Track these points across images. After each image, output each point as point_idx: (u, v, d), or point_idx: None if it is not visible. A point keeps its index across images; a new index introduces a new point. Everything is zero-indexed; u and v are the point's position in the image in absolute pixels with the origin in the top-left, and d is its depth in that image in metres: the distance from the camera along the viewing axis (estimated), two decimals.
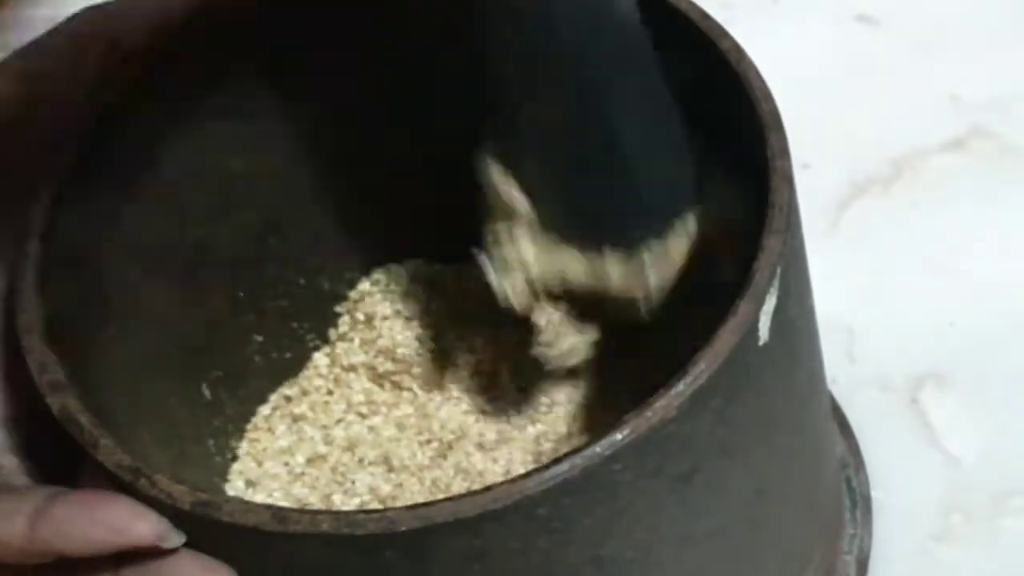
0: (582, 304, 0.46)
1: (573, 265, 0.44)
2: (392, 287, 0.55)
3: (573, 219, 0.44)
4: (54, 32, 0.44)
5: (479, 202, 0.45)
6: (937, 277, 0.61)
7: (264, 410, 0.53)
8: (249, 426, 0.53)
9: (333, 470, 0.51)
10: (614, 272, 0.44)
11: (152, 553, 0.37)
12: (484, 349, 0.53)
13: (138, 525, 0.36)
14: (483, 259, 0.45)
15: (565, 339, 0.46)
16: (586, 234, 0.44)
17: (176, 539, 0.37)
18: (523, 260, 0.45)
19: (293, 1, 0.47)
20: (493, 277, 0.45)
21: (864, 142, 0.65)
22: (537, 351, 0.47)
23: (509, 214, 0.45)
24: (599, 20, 0.40)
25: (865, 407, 0.57)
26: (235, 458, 0.52)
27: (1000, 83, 0.66)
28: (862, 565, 0.52)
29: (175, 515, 0.36)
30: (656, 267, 0.44)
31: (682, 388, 0.35)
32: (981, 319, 0.59)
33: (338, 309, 0.55)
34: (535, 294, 0.45)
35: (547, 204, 0.44)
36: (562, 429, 0.51)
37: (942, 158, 0.64)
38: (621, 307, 0.45)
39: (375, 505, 0.49)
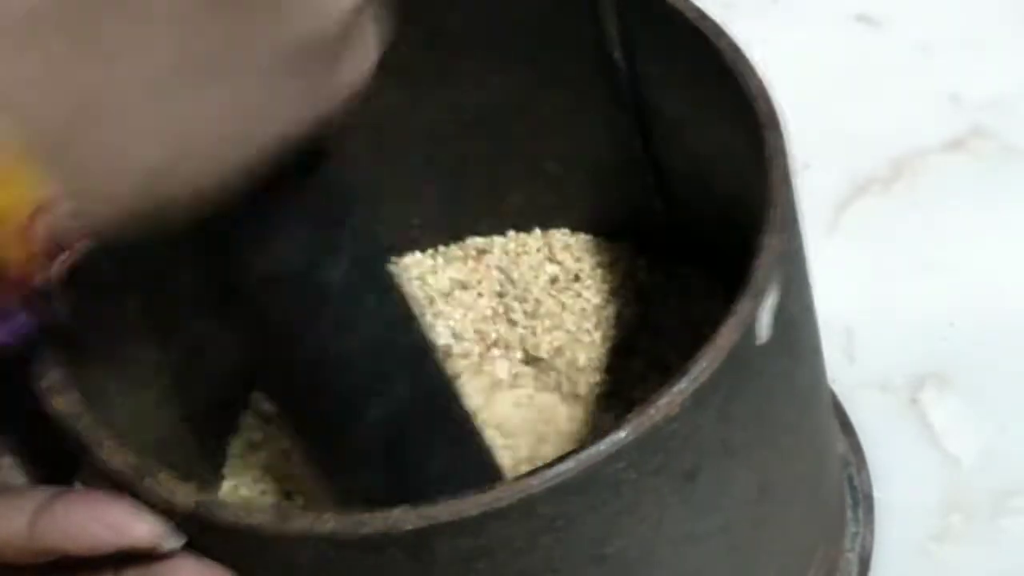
0: None
1: None
2: None
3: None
4: None
5: None
6: (937, 277, 0.61)
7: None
8: (250, 425, 0.53)
9: None
10: None
11: (152, 555, 0.37)
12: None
13: (138, 526, 0.36)
14: None
15: None
16: None
17: (175, 541, 0.37)
18: None
19: None
20: None
21: (864, 142, 0.65)
22: None
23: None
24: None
25: (865, 407, 0.57)
26: (235, 458, 0.52)
27: (1000, 83, 0.66)
28: (864, 563, 0.52)
29: (178, 516, 0.36)
30: None
31: (684, 386, 0.35)
32: (981, 319, 0.59)
33: None
34: None
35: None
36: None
37: (942, 158, 0.64)
38: None
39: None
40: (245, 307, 0.40)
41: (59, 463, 0.40)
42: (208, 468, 0.52)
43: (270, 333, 0.40)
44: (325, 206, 0.39)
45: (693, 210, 0.51)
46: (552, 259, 0.55)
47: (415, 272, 0.56)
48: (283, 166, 0.34)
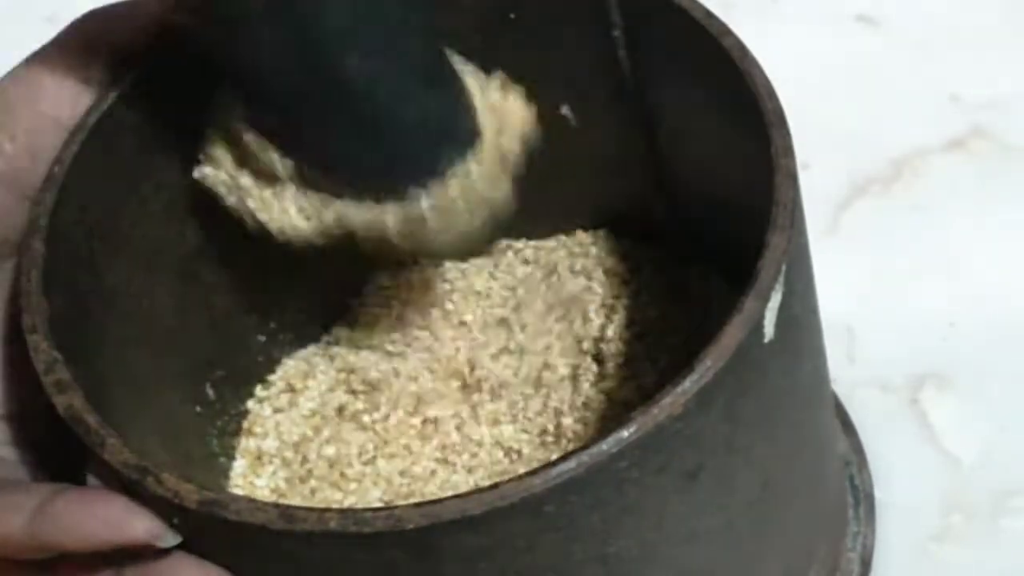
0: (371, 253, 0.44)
1: (349, 216, 0.42)
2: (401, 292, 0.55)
3: (335, 171, 0.42)
4: (56, 41, 0.44)
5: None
6: (937, 277, 0.61)
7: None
8: (252, 425, 0.53)
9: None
10: (390, 218, 0.42)
11: (149, 553, 0.37)
12: None
13: (134, 523, 0.36)
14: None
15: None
16: (353, 184, 0.42)
17: (171, 539, 0.37)
18: (294, 225, 0.43)
19: None
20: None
21: (864, 142, 0.65)
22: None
23: (270, 179, 0.43)
24: None
25: (865, 407, 0.57)
26: (238, 457, 0.52)
27: (1000, 83, 0.66)
28: (866, 563, 0.52)
29: (182, 514, 0.36)
30: (436, 209, 0.42)
31: (688, 385, 0.35)
32: (981, 319, 0.59)
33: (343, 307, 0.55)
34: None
35: (305, 158, 0.42)
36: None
37: (942, 158, 0.64)
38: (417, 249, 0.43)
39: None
40: None
41: (62, 459, 0.40)
42: (219, 468, 0.52)
43: None
44: None
45: (695, 209, 0.51)
46: (566, 257, 0.55)
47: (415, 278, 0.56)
48: None
